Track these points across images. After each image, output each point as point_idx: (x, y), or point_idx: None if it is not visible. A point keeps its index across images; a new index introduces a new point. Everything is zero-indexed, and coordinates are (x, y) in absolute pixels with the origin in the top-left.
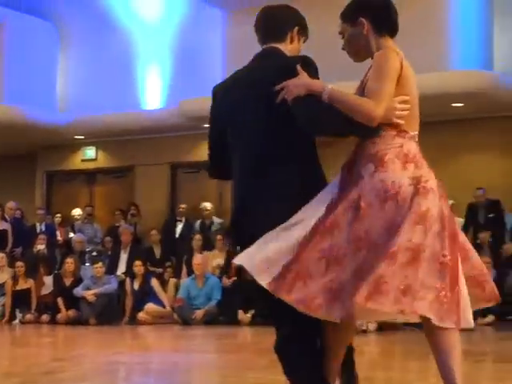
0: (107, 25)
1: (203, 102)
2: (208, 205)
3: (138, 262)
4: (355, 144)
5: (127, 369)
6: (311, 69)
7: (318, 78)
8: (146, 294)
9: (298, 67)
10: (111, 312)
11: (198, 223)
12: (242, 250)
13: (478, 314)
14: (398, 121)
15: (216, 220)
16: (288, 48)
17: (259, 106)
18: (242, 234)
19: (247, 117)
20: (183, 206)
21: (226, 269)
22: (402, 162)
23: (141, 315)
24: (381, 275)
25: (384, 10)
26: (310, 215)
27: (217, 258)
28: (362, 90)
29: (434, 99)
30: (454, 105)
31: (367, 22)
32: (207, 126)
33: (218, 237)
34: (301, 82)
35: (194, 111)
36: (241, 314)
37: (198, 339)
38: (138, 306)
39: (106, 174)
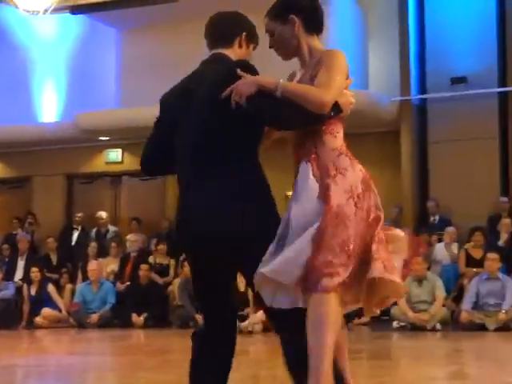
0: (4, 40)
1: (98, 116)
2: (103, 214)
3: (34, 269)
4: (308, 138)
5: (24, 372)
6: (252, 73)
7: None
8: (42, 299)
9: (239, 70)
10: (9, 317)
11: (93, 231)
12: (185, 248)
13: (355, 315)
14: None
15: (111, 228)
16: (236, 53)
17: (203, 109)
18: (189, 233)
19: (192, 119)
20: (79, 214)
21: (119, 274)
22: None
23: (38, 319)
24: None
25: (314, 9)
26: (303, 213)
27: (111, 265)
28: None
29: None
30: None
31: (298, 21)
32: (103, 138)
33: (113, 244)
34: (250, 81)
35: (88, 125)
36: (134, 317)
37: (94, 342)
38: (35, 311)
39: (4, 184)
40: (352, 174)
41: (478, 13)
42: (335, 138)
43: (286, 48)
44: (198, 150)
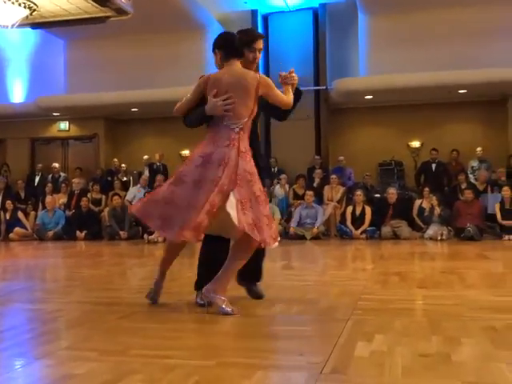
0: None
1: (49, 99)
2: (56, 164)
3: (8, 201)
4: None
5: (2, 269)
6: None
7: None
8: (14, 222)
9: None
10: None
11: (49, 176)
12: None
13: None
14: (226, 112)
15: (62, 174)
16: None
17: None
18: None
19: None
20: (40, 165)
21: (67, 205)
22: (207, 143)
23: (11, 235)
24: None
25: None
26: None
27: (62, 199)
28: None
29: None
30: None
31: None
32: (55, 114)
33: (63, 185)
34: None
35: (45, 104)
36: (78, 234)
37: (50, 250)
38: (9, 230)
39: None
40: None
41: (302, 37)
42: (207, 131)
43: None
44: None
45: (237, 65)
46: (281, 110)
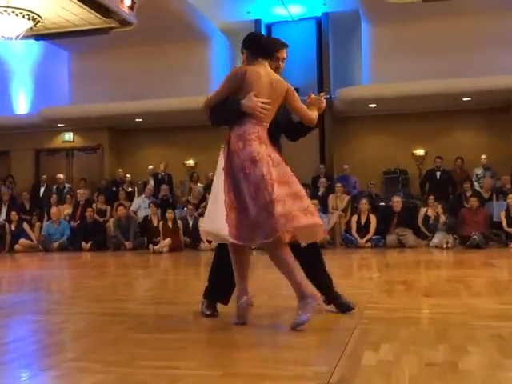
0: None
1: (56, 110)
2: (61, 175)
3: (13, 213)
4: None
5: (7, 280)
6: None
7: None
8: (19, 233)
9: None
10: None
11: (54, 187)
12: None
13: None
14: (260, 114)
15: (66, 185)
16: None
17: None
18: None
19: None
20: (44, 176)
21: (73, 216)
22: (259, 142)
23: (17, 247)
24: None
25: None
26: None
27: (67, 210)
28: None
29: None
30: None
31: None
32: (60, 125)
33: (68, 196)
34: None
35: (49, 116)
36: (83, 244)
37: (56, 261)
38: (15, 241)
39: None
40: (241, 156)
41: (305, 46)
42: (241, 128)
43: None
44: None
45: (268, 66)
46: (297, 129)
